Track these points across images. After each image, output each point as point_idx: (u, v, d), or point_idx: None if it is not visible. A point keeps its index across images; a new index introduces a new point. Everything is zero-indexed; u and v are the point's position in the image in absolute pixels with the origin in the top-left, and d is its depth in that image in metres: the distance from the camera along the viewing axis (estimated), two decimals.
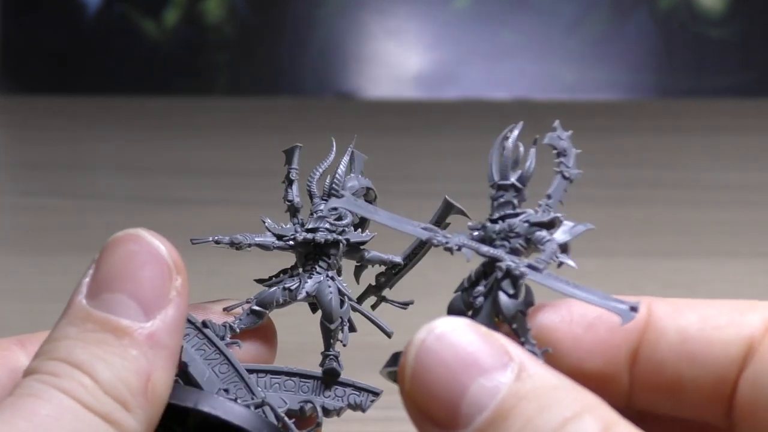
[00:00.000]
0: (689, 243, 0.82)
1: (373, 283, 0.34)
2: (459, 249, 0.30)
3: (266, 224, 0.33)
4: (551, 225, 0.30)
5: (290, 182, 0.33)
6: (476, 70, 1.50)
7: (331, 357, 0.33)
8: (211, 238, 0.32)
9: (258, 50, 1.52)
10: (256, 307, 0.32)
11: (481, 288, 0.30)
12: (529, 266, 0.29)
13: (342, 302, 0.33)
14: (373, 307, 0.34)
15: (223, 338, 0.32)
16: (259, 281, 0.33)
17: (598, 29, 1.51)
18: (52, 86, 1.51)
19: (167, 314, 0.28)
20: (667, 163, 1.12)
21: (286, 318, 0.34)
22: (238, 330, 0.32)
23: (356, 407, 0.33)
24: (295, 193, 0.33)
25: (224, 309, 0.33)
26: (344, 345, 0.33)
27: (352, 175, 0.34)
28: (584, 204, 0.93)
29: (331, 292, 0.33)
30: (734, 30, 1.50)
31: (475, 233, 0.30)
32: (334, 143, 0.34)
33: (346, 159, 0.34)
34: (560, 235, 0.30)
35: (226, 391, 0.30)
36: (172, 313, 0.28)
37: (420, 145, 1.17)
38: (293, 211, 0.33)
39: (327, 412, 0.33)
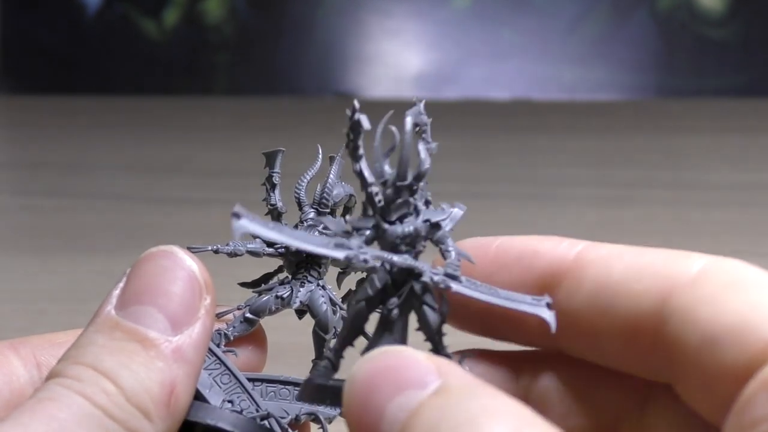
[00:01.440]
0: (689, 243, 0.81)
1: (354, 289, 0.34)
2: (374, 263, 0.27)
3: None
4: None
5: (273, 186, 0.34)
6: (476, 70, 1.50)
7: None
8: (210, 247, 0.32)
9: (258, 50, 1.52)
10: (249, 315, 0.33)
11: (395, 299, 0.27)
12: (446, 275, 0.27)
13: (334, 311, 0.33)
14: None
15: (218, 346, 0.32)
16: (244, 285, 0.34)
17: (598, 29, 1.51)
18: (52, 86, 1.51)
19: (194, 331, 0.28)
20: (668, 163, 1.12)
21: (289, 318, 0.34)
22: (232, 338, 0.33)
23: None
24: (277, 198, 0.34)
25: (216, 315, 0.33)
26: None
27: (336, 182, 0.34)
28: (584, 204, 0.94)
29: (324, 302, 0.33)
30: (734, 30, 1.50)
31: (368, 233, 0.27)
32: (320, 150, 0.34)
33: (335, 168, 0.34)
34: (448, 225, 0.28)
35: (231, 402, 0.31)
36: (199, 331, 0.28)
37: None
38: (276, 215, 0.34)
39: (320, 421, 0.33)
